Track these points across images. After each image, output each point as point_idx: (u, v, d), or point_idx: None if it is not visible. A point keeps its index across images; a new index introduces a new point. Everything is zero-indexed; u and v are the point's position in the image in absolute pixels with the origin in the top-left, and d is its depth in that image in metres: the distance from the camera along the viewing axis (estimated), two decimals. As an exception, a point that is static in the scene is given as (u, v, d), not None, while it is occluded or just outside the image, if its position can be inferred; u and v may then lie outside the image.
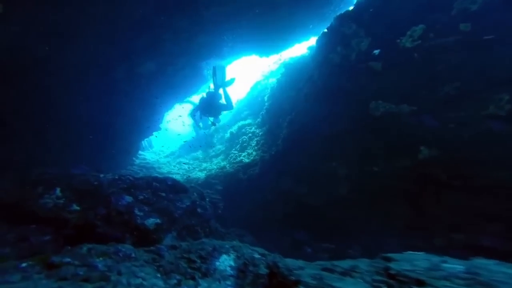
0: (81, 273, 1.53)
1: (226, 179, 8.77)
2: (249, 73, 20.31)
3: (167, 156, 14.79)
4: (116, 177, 3.92)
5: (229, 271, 1.81)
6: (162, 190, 3.94)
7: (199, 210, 4.19)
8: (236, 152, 10.75)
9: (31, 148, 5.98)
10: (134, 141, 10.31)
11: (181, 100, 12.33)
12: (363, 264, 1.52)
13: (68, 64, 6.24)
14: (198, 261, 1.81)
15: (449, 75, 3.58)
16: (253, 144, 10.26)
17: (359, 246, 4.80)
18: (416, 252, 1.74)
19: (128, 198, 3.60)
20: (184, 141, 14.59)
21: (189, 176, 10.08)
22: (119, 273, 1.58)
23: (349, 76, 5.06)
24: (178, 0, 6.97)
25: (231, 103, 8.75)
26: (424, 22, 3.79)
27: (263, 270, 1.76)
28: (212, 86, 8.40)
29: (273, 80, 11.77)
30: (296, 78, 8.78)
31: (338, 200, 5.76)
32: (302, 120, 6.77)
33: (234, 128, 12.40)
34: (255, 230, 6.52)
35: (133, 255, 1.81)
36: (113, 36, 6.70)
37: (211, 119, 8.67)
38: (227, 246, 2.00)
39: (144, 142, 14.25)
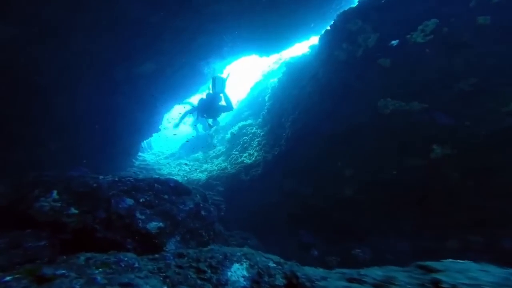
0: (77, 287, 1.36)
1: (227, 180, 8.60)
2: (249, 74, 20.17)
3: (167, 158, 14.61)
4: (116, 179, 3.74)
5: (242, 282, 1.64)
6: (164, 192, 3.77)
7: (203, 212, 4.01)
8: (237, 153, 10.60)
9: (28, 150, 5.81)
10: (134, 142, 10.15)
11: (180, 100, 12.18)
12: (399, 274, 1.35)
13: (65, 64, 6.08)
14: (208, 271, 1.64)
15: (465, 70, 3.43)
16: (254, 145, 10.12)
17: (368, 248, 4.63)
18: (460, 261, 1.55)
19: (129, 201, 3.43)
20: (187, 140, 14.43)
21: (189, 178, 9.91)
22: (121, 287, 1.41)
23: (356, 73, 4.91)
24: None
25: (231, 104, 8.64)
26: (438, 16, 3.64)
27: (280, 281, 1.59)
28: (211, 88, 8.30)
29: (273, 80, 11.63)
30: (298, 77, 8.63)
31: (344, 201, 5.60)
32: (306, 119, 6.62)
33: (234, 129, 12.24)
34: (259, 232, 6.35)
35: (136, 264, 1.64)
36: (111, 36, 6.54)
37: (210, 121, 8.57)
38: (238, 253, 1.83)
39: (144, 144, 14.07)
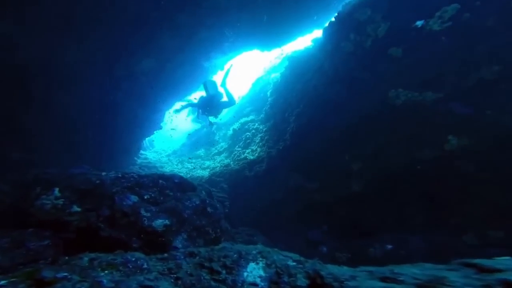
0: (82, 291, 1.23)
1: (231, 177, 8.48)
2: (251, 69, 19.92)
3: (168, 155, 14.49)
4: (120, 175, 3.61)
5: (260, 283, 1.51)
6: (169, 188, 3.64)
7: (209, 209, 3.89)
8: (239, 149, 10.46)
9: (29, 149, 5.69)
10: (135, 140, 10.02)
11: (181, 97, 12.03)
12: (448, 274, 1.21)
13: (65, 62, 5.93)
14: (223, 271, 1.51)
15: (487, 58, 3.25)
16: (257, 141, 9.98)
17: (379, 244, 4.50)
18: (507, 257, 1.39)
19: (133, 198, 3.30)
20: (188, 134, 14.33)
21: (192, 175, 9.79)
22: (130, 290, 1.28)
23: (365, 64, 4.74)
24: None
25: (233, 98, 8.51)
26: (458, 0, 3.45)
27: (302, 281, 1.45)
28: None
29: (275, 75, 11.44)
30: (301, 71, 8.45)
31: (352, 196, 5.46)
32: (311, 113, 6.46)
33: (236, 125, 12.10)
34: (265, 229, 6.24)
35: (145, 265, 1.51)
36: (111, 32, 6.38)
37: (211, 118, 8.46)
38: (254, 252, 1.70)
39: (145, 141, 13.96)
